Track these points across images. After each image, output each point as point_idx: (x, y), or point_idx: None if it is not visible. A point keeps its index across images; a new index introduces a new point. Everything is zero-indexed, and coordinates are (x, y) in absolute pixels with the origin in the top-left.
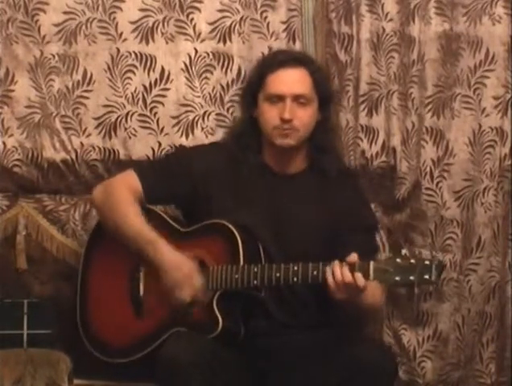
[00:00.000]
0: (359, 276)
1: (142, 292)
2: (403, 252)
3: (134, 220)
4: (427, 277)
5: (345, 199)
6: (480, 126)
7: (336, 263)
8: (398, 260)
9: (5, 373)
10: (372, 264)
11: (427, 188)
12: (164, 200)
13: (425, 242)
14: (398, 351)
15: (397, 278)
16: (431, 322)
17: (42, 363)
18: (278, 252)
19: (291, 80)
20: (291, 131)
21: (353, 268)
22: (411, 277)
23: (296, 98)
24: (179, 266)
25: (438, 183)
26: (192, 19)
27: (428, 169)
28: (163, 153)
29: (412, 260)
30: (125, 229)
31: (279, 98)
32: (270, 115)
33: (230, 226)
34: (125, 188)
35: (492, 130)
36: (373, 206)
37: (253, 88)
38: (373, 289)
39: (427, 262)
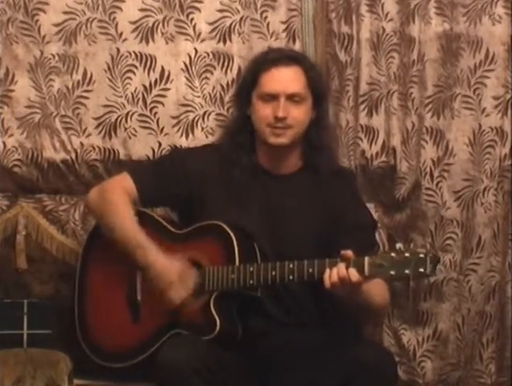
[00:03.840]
0: (353, 271)
1: (139, 295)
2: (398, 246)
3: (126, 224)
4: (421, 270)
5: (340, 199)
6: (480, 126)
7: (333, 260)
8: (393, 254)
9: (5, 373)
10: (366, 259)
11: (427, 188)
12: (159, 202)
13: (425, 242)
14: (398, 351)
15: (392, 272)
16: (431, 321)
17: (42, 363)
18: (273, 252)
19: (284, 79)
20: (285, 130)
21: (347, 264)
22: (406, 271)
23: (290, 96)
24: (170, 269)
25: (438, 183)
26: (192, 19)
27: (428, 169)
28: (162, 153)
29: (407, 254)
30: (117, 232)
31: (273, 97)
32: (263, 113)
33: (225, 226)
34: (120, 190)
35: (492, 130)
36: (373, 206)
37: (247, 86)
38: (380, 289)
39: (421, 255)
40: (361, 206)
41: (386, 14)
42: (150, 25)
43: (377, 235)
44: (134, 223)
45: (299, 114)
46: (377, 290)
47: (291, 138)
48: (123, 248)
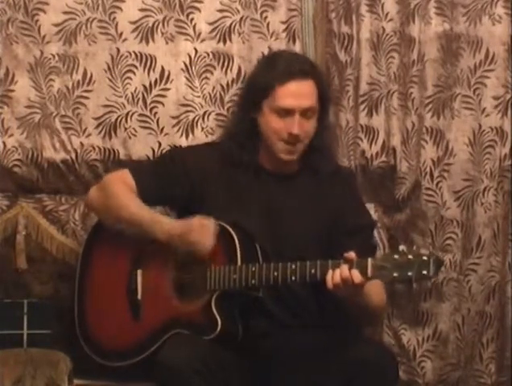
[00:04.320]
0: (356, 273)
1: (139, 294)
2: (401, 248)
3: (134, 207)
4: (425, 272)
5: (340, 199)
6: (480, 126)
7: (335, 262)
8: (396, 256)
9: (5, 373)
10: (370, 261)
11: (427, 188)
12: (159, 201)
13: (425, 242)
14: (398, 351)
15: (395, 274)
16: (431, 322)
17: (42, 363)
18: (274, 252)
19: (300, 94)
20: (296, 147)
21: (350, 266)
22: (409, 273)
23: (304, 111)
24: (189, 227)
25: (438, 183)
26: (192, 19)
27: (428, 169)
28: (162, 152)
29: (410, 256)
30: (127, 218)
31: (287, 112)
32: (277, 128)
33: (227, 226)
34: (120, 182)
35: (492, 130)
36: (373, 206)
37: (258, 93)
38: (378, 290)
39: (424, 258)
40: (361, 206)
41: (386, 14)
42: (150, 25)
43: (376, 234)
44: (140, 203)
45: (310, 128)
46: (375, 291)
47: (300, 152)
48: (136, 231)
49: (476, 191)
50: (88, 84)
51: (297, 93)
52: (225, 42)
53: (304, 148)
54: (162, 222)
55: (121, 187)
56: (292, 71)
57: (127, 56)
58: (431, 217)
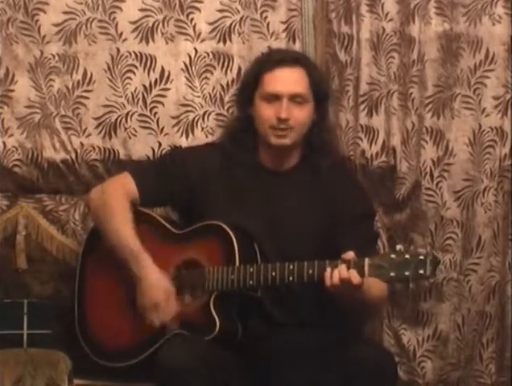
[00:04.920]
0: (354, 273)
1: None
2: (398, 247)
3: (123, 231)
4: (421, 272)
5: (339, 191)
6: (480, 126)
7: (333, 262)
8: (393, 255)
9: (5, 373)
10: (367, 260)
11: (427, 188)
12: (160, 203)
13: (425, 242)
14: (398, 351)
15: (392, 274)
16: (431, 321)
17: (42, 363)
18: (274, 251)
19: (287, 80)
20: (287, 131)
21: (348, 266)
22: (406, 273)
23: (293, 97)
24: (159, 288)
25: (438, 183)
26: (192, 19)
27: (428, 169)
28: (162, 153)
29: (407, 256)
30: (114, 239)
31: (276, 97)
32: (266, 114)
33: (225, 227)
34: (121, 193)
35: (492, 130)
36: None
37: (250, 86)
38: (377, 283)
39: (421, 257)
40: (360, 195)
41: (386, 14)
42: (150, 25)
43: (375, 222)
44: (132, 230)
45: (301, 116)
46: (374, 284)
47: (293, 140)
48: (118, 255)
49: (476, 191)
50: (88, 84)
51: (284, 79)
52: (225, 42)
53: (298, 138)
54: (140, 262)
55: (119, 203)
56: (280, 59)
57: (127, 56)
58: (431, 217)
